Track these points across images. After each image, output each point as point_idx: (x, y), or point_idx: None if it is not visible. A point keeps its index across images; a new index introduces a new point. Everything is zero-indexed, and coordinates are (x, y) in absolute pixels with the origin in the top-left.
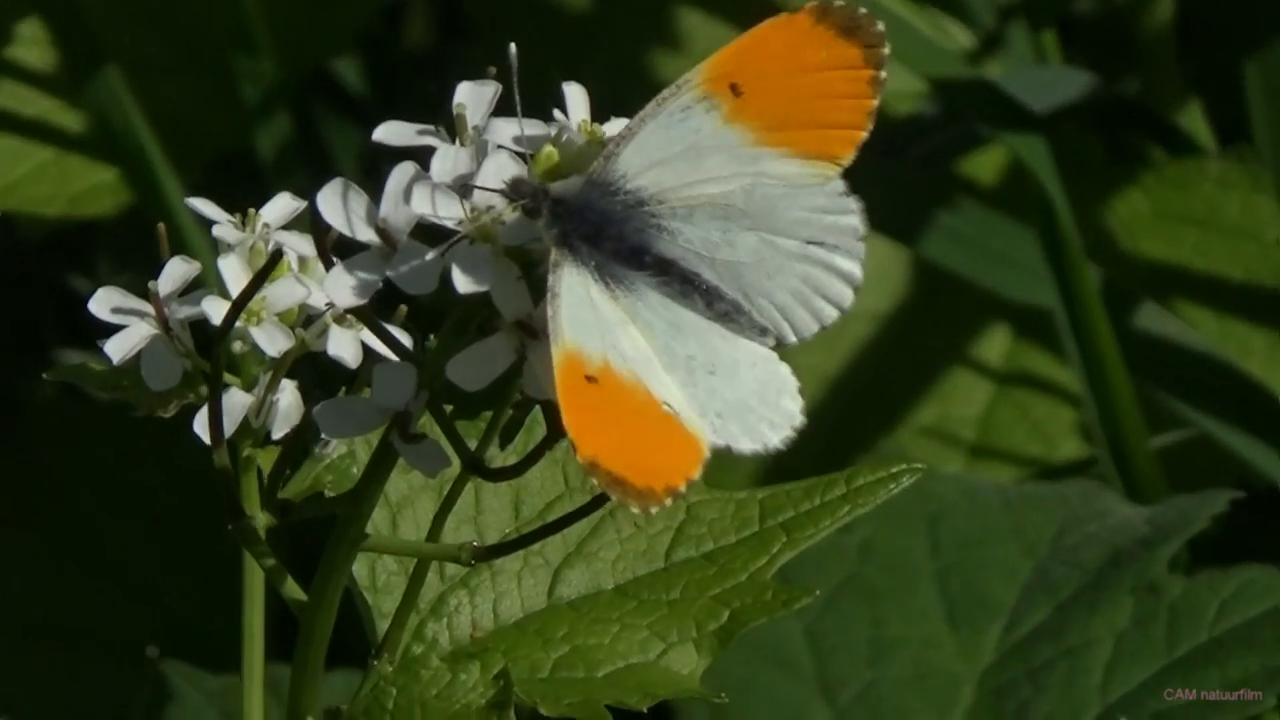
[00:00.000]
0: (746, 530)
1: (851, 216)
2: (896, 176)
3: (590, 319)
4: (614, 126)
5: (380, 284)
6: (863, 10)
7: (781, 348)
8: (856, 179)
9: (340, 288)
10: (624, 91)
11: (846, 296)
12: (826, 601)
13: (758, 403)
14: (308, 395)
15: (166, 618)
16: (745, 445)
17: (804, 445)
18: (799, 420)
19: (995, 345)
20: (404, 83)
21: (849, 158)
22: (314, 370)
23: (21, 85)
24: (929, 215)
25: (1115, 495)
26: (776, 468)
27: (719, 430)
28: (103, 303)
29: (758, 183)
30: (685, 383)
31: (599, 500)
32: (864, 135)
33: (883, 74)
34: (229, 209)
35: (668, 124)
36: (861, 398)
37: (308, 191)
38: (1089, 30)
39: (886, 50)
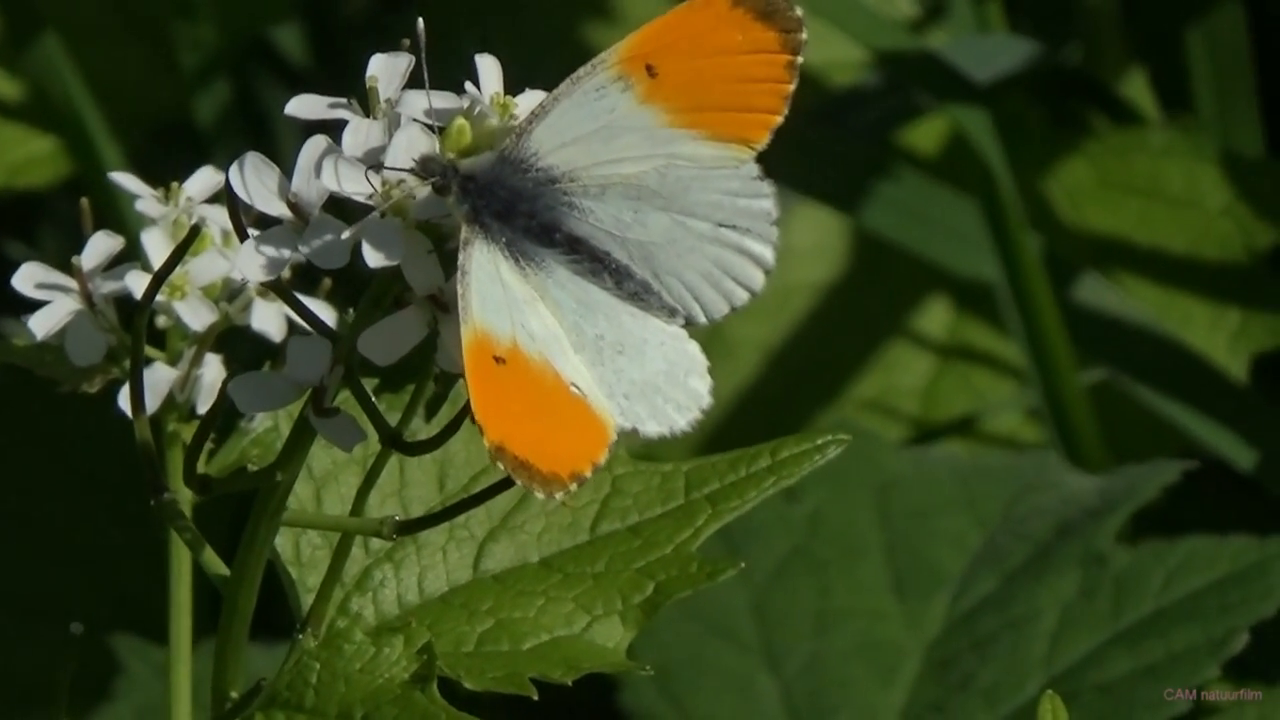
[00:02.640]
0: (672, 503)
1: (764, 200)
2: (837, 147)
3: (500, 297)
4: (529, 98)
5: (290, 259)
6: None
7: (691, 327)
8: (797, 149)
9: (252, 263)
10: (563, 62)
11: (757, 279)
12: (773, 573)
13: (665, 383)
14: (235, 369)
15: (115, 589)
16: (651, 428)
17: (746, 417)
18: (706, 402)
19: (938, 316)
20: (345, 51)
21: (764, 142)
22: (244, 344)
23: None
24: (870, 186)
25: (1067, 465)
26: (720, 439)
27: (626, 412)
28: (26, 278)
29: (671, 164)
30: (594, 362)
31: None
32: (779, 120)
33: (799, 59)
34: (169, 179)
35: (582, 103)
36: (803, 369)
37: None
38: None
39: (804, 36)
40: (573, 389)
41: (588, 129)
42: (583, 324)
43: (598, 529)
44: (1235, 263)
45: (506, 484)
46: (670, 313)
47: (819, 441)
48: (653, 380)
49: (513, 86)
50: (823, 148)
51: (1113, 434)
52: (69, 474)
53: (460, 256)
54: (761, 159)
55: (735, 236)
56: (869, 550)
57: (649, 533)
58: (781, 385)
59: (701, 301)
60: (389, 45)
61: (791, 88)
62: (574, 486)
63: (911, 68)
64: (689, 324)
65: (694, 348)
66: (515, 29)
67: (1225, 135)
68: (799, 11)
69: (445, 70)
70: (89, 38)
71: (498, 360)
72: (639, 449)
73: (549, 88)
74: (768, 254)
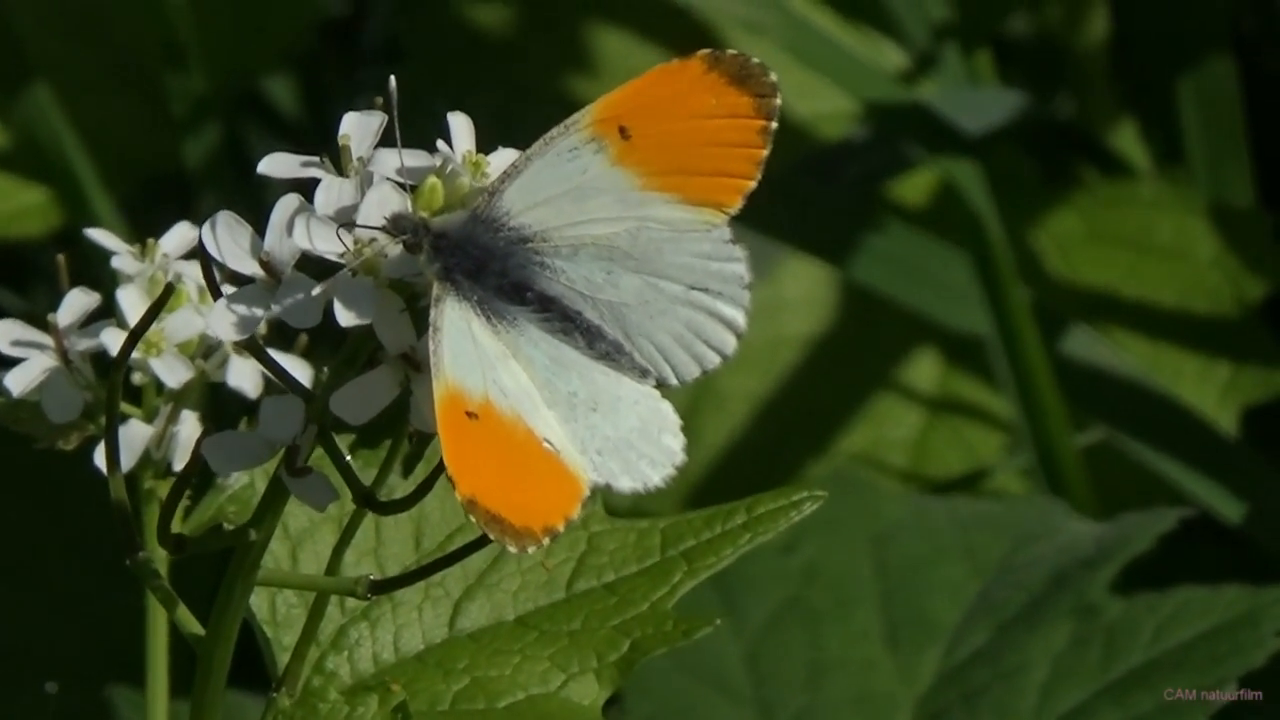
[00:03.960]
0: (648, 560)
1: (737, 264)
2: (826, 199)
3: (472, 353)
4: (502, 156)
5: (263, 318)
6: (755, 60)
7: (664, 388)
8: (786, 200)
9: (224, 322)
10: (548, 112)
11: (729, 343)
12: (767, 624)
13: (639, 440)
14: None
15: (110, 640)
16: (625, 483)
17: (735, 468)
18: (680, 458)
19: (927, 369)
20: (337, 101)
21: (737, 206)
22: (217, 400)
23: None
24: (859, 238)
25: (1066, 512)
26: (709, 490)
27: (599, 468)
28: (2, 335)
29: (643, 226)
30: (567, 419)
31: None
32: (753, 185)
33: (773, 124)
34: (160, 229)
35: (554, 163)
36: (793, 421)
37: (239, 210)
38: (1023, 50)
39: (778, 101)
40: (546, 444)
41: (560, 189)
42: (555, 381)
43: (574, 587)
44: (1225, 315)
45: (482, 542)
46: (642, 373)
47: (795, 498)
48: (626, 437)
49: (500, 134)
50: (812, 200)
51: (1104, 486)
52: (63, 525)
53: (432, 313)
54: (748, 212)
55: (707, 300)
56: (863, 600)
57: (625, 590)
58: (771, 437)
59: (673, 363)
60: (382, 96)
61: (765, 153)
62: (546, 540)
63: (902, 119)
64: (661, 385)
65: (667, 407)
66: (503, 79)
67: (1216, 187)
68: (773, 77)
69: (436, 121)
70: (80, 88)
71: (470, 415)
72: (625, 502)
73: (534, 138)
74: (739, 318)
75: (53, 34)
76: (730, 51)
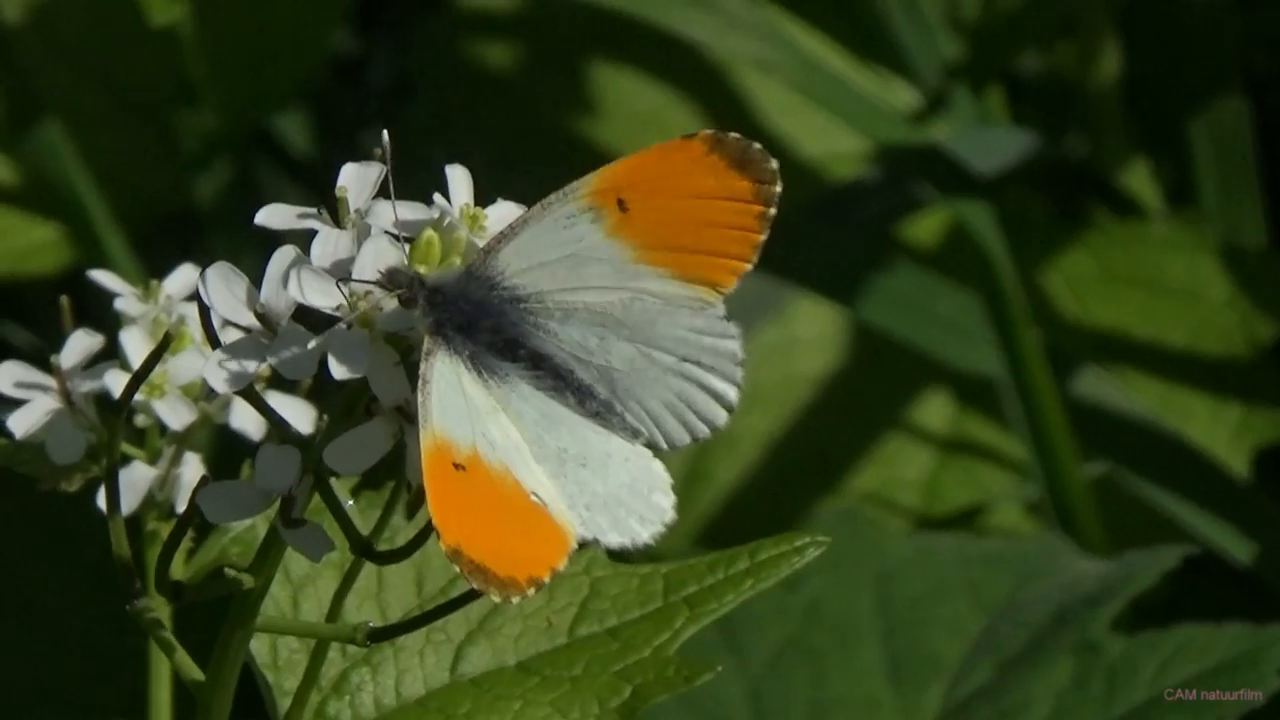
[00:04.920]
0: (650, 605)
1: (730, 341)
2: (838, 239)
3: (461, 406)
4: (500, 210)
5: (257, 370)
6: (756, 146)
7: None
8: (797, 241)
9: (218, 373)
10: (558, 154)
11: (720, 416)
12: (770, 662)
13: (629, 496)
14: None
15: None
16: (613, 539)
17: (746, 508)
18: (670, 516)
19: (939, 409)
20: (351, 139)
21: (731, 287)
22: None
23: None
24: (870, 279)
25: (1072, 549)
26: (720, 529)
27: (588, 523)
28: (5, 377)
29: (637, 298)
30: (555, 474)
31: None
32: (748, 267)
33: (772, 210)
34: (171, 267)
35: (552, 228)
36: (804, 461)
37: (250, 248)
38: (1035, 89)
39: (778, 188)
40: (533, 497)
41: (555, 255)
42: (545, 436)
43: (576, 632)
44: (1237, 356)
45: None
46: (633, 433)
47: (797, 543)
48: (616, 493)
49: (508, 173)
50: (823, 240)
51: (1114, 525)
52: (79, 562)
53: (422, 366)
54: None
55: (700, 373)
56: (866, 638)
57: (627, 636)
58: (782, 476)
59: (663, 430)
60: (395, 133)
61: (762, 238)
62: (531, 591)
63: (913, 160)
64: (651, 447)
65: (658, 466)
66: (512, 118)
67: (1228, 227)
68: (774, 164)
69: (444, 159)
70: (91, 125)
71: (457, 467)
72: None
73: (543, 177)
74: (731, 394)
75: (63, 70)
76: (733, 135)
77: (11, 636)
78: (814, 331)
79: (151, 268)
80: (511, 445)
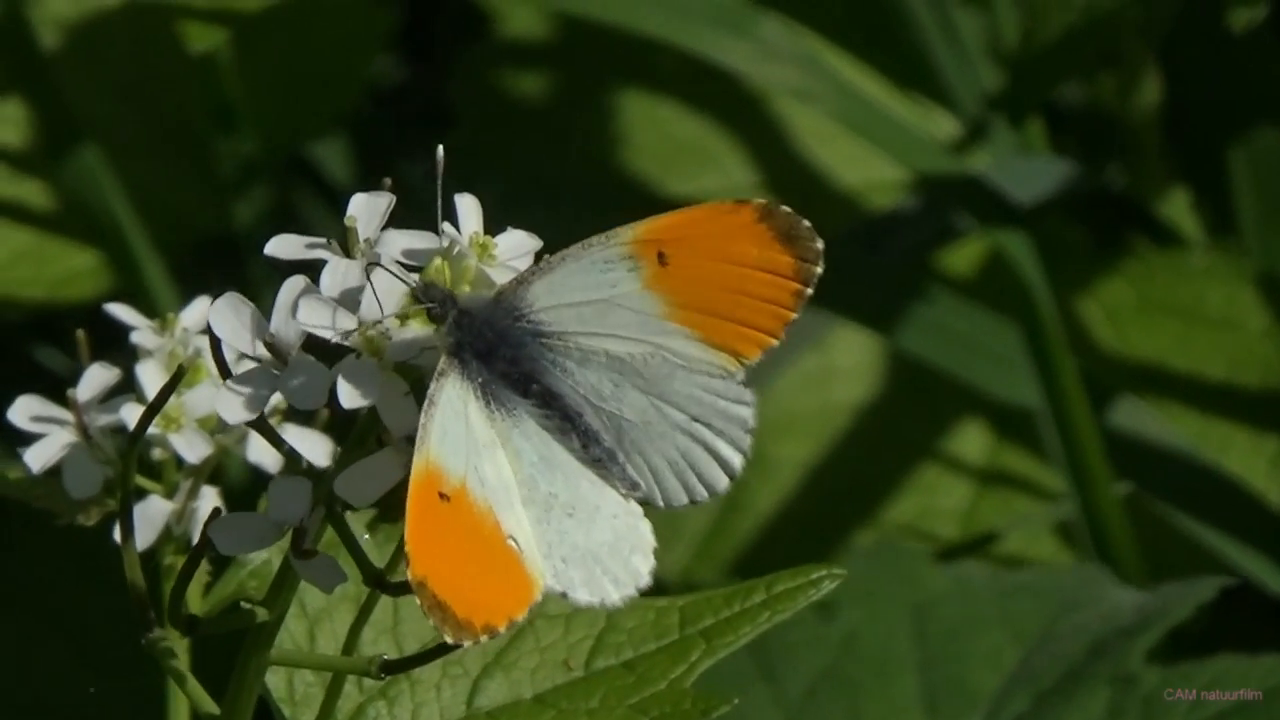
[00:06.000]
0: (666, 638)
1: (744, 409)
2: (876, 268)
3: (461, 435)
4: (510, 239)
5: (268, 399)
6: (806, 223)
7: (649, 507)
8: (836, 270)
9: (230, 403)
10: (596, 184)
11: (721, 482)
12: (806, 692)
13: (607, 555)
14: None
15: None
16: (583, 596)
17: (784, 537)
18: (645, 581)
19: (977, 438)
20: (390, 165)
21: (754, 359)
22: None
23: (0, 167)
24: (908, 308)
25: (1109, 579)
26: (758, 558)
27: (560, 575)
28: (22, 411)
29: (659, 353)
30: (540, 519)
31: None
32: (775, 343)
33: (809, 290)
34: (211, 293)
35: (588, 270)
36: (843, 490)
37: (286, 274)
38: (1075, 119)
39: (819, 269)
40: (510, 541)
41: (587, 297)
42: (538, 479)
43: (592, 665)
44: (1276, 386)
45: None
46: (631, 485)
47: (813, 576)
48: (595, 549)
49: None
50: (861, 269)
51: (1151, 555)
52: (107, 588)
53: (431, 386)
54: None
55: (709, 435)
56: (903, 669)
57: (643, 668)
58: (820, 505)
59: (662, 487)
60: (432, 160)
61: (794, 316)
62: (484, 638)
63: (953, 189)
64: (646, 503)
65: (645, 527)
66: (550, 145)
67: (1267, 257)
68: (820, 244)
69: (484, 186)
70: (130, 151)
71: (443, 497)
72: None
73: (580, 213)
74: (736, 461)
75: (103, 96)
76: (784, 209)
77: (54, 664)
78: (852, 361)
79: (190, 295)
80: (501, 484)
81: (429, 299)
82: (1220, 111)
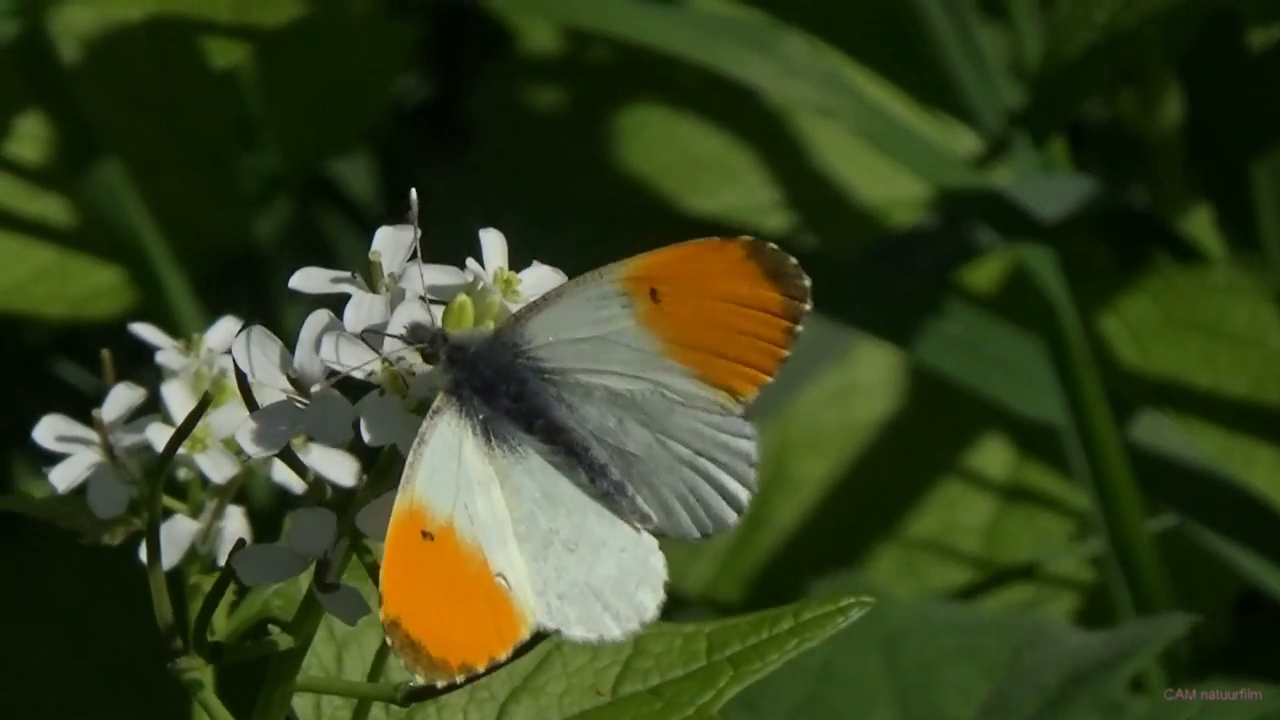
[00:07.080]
0: (694, 664)
1: (746, 442)
2: (898, 284)
3: (451, 473)
4: (535, 274)
5: (290, 434)
6: (793, 260)
7: (665, 539)
8: (859, 286)
9: (252, 437)
10: (617, 201)
11: (729, 517)
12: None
13: (610, 591)
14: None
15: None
16: (577, 633)
17: (807, 553)
18: (651, 615)
19: (1000, 453)
20: (414, 182)
21: (750, 396)
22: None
23: (22, 183)
24: (930, 324)
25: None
26: (780, 574)
27: (554, 612)
28: (47, 431)
29: (657, 390)
30: (536, 556)
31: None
32: (769, 380)
33: (799, 328)
34: (233, 310)
35: (584, 306)
36: (865, 505)
37: (308, 295)
38: (1098, 136)
39: (808, 306)
40: (498, 579)
41: (584, 333)
42: (538, 515)
43: (620, 690)
44: None
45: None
46: (643, 518)
47: (842, 604)
48: (597, 585)
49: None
50: (884, 285)
51: (1177, 573)
52: (133, 604)
53: (424, 424)
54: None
55: (713, 469)
56: (880, 698)
57: (671, 694)
58: (842, 521)
59: (673, 520)
60: (458, 177)
61: (786, 353)
62: (460, 678)
63: (975, 206)
64: (661, 535)
65: (657, 560)
66: (574, 162)
67: None
68: (807, 282)
69: (507, 204)
70: (152, 168)
71: (426, 535)
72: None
73: (602, 231)
74: (742, 495)
75: (124, 112)
76: (770, 245)
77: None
78: (874, 376)
79: (213, 311)
80: (495, 521)
81: (417, 339)
82: (1241, 128)
